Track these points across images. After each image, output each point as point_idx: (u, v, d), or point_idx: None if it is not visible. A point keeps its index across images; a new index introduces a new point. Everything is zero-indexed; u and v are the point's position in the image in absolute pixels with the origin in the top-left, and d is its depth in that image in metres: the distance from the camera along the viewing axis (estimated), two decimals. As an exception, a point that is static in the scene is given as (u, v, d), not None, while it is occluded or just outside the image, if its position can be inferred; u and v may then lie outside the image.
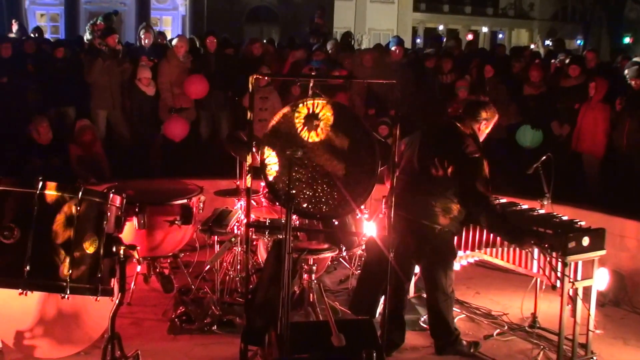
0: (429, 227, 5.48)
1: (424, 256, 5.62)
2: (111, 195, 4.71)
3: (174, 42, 10.11)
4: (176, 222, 6.49)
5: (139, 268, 6.55)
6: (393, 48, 10.82)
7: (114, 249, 4.58)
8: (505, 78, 10.25)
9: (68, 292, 4.41)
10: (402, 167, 5.27)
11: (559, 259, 5.39)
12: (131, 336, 5.64)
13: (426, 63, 10.85)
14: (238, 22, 28.38)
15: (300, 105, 5.05)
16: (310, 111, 5.00)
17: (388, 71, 10.09)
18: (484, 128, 5.64)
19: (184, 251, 7.21)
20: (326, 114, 4.99)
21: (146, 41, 10.40)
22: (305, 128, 4.97)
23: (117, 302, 4.56)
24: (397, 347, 5.74)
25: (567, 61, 10.83)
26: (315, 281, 5.96)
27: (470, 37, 23.24)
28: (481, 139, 5.62)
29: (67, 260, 4.41)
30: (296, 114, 5.03)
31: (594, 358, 5.73)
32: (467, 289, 7.22)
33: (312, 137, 4.99)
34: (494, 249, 5.90)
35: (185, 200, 6.64)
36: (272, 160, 5.10)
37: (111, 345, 4.52)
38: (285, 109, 5.17)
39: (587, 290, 5.68)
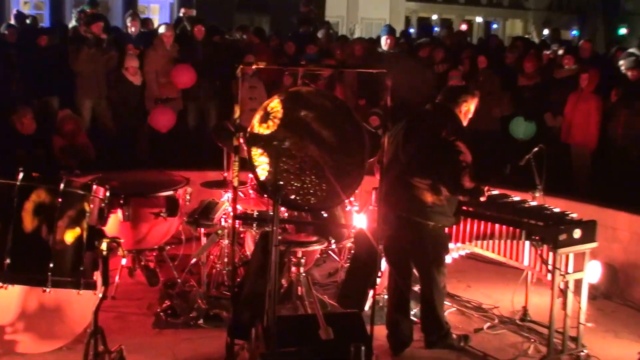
0: (422, 225, 5.41)
1: (419, 253, 5.55)
2: (94, 186, 4.65)
3: (161, 30, 9.98)
4: (162, 214, 6.42)
5: (123, 261, 6.46)
6: (384, 37, 10.71)
7: (97, 242, 4.50)
8: (499, 69, 10.17)
9: (50, 285, 4.37)
10: (388, 159, 5.19)
11: (550, 252, 5.35)
12: (115, 330, 5.60)
13: (419, 53, 10.75)
14: (228, 11, 28.19)
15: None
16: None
17: (379, 61, 9.99)
18: (465, 111, 5.57)
19: (170, 244, 7.11)
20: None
21: (133, 29, 10.27)
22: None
23: (100, 295, 4.49)
24: (407, 345, 5.68)
25: (560, 52, 10.77)
26: (303, 274, 5.92)
27: (464, 27, 23.08)
28: (464, 123, 5.57)
29: (49, 253, 4.34)
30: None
31: (585, 351, 5.68)
32: (458, 282, 7.17)
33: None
34: (485, 242, 5.84)
35: (171, 192, 6.57)
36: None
37: (94, 340, 4.43)
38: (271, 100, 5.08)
39: (578, 283, 5.65)
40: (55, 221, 4.38)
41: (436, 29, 21.78)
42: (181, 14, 12.72)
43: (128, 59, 9.48)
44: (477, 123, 8.13)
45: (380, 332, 5.52)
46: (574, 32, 36.96)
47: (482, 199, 5.36)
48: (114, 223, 5.96)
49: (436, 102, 5.66)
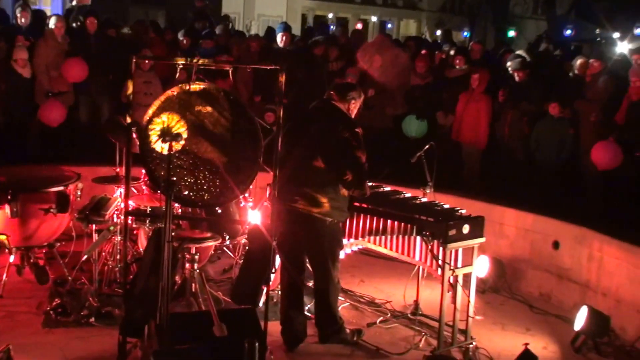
0: (320, 220, 5.46)
1: (314, 248, 5.60)
2: (-22, 182, 4.50)
3: (52, 21, 9.67)
4: (51, 210, 6.29)
5: (11, 258, 6.34)
6: (280, 34, 10.73)
7: (-19, 239, 4.37)
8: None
9: None
10: (282, 156, 5.21)
11: (440, 247, 5.49)
12: (2, 330, 5.45)
13: (314, 50, 10.81)
14: (123, 4, 27.55)
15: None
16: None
17: (275, 58, 9.99)
18: (353, 108, 5.67)
19: (60, 241, 6.93)
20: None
21: (23, 20, 9.92)
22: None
23: (-15, 294, 4.35)
24: (301, 340, 5.71)
25: (452, 52, 11.04)
26: (197, 271, 5.88)
27: (359, 26, 23.41)
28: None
29: None
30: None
31: (474, 343, 5.85)
32: (352, 277, 7.26)
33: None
34: (378, 237, 5.95)
35: (61, 188, 6.44)
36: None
37: (-21, 341, 4.30)
38: (167, 93, 5.03)
39: (467, 277, 5.80)
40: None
41: (332, 27, 21.93)
42: (74, 3, 12.36)
43: (17, 50, 9.14)
44: (371, 120, 8.30)
45: (274, 327, 5.55)
46: (465, 34, 37.95)
47: (367, 194, 5.50)
48: (1, 219, 5.81)
49: (324, 99, 5.71)
